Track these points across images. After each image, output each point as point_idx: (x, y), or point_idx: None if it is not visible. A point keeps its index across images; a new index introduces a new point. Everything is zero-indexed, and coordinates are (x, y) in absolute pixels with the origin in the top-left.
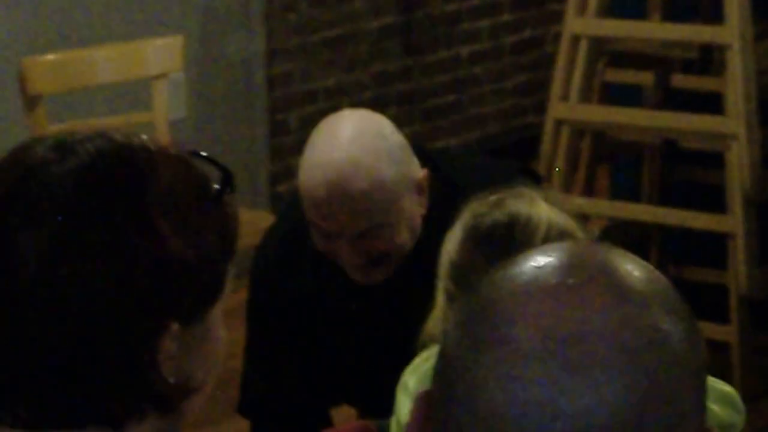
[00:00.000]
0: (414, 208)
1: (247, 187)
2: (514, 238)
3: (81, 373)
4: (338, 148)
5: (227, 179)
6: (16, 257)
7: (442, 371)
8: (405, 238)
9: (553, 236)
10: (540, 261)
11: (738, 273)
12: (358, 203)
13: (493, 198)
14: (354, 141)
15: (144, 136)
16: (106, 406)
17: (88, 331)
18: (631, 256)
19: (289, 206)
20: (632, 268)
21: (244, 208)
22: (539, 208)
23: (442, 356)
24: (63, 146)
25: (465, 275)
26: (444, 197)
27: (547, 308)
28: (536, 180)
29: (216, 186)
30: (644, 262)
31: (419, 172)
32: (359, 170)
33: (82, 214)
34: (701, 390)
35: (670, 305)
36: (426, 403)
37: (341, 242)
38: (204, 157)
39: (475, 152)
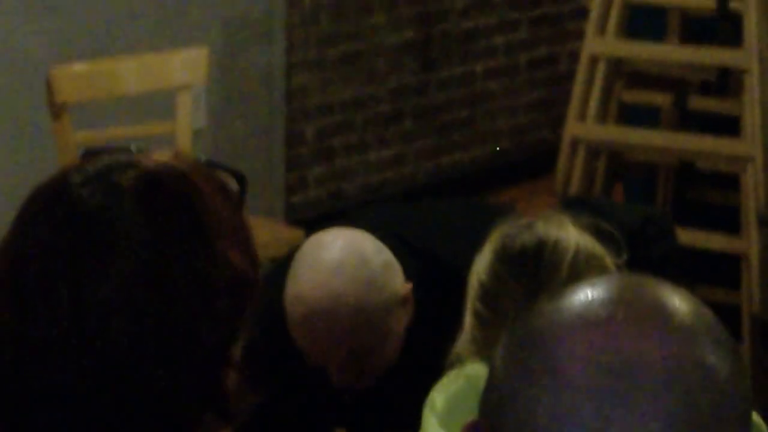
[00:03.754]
0: (399, 324)
1: (263, 197)
2: (543, 260)
3: (167, 393)
4: (319, 283)
5: (244, 185)
6: (99, 306)
7: (490, 401)
8: (391, 352)
9: (581, 260)
10: (589, 294)
11: (751, 293)
12: (341, 338)
13: (522, 221)
14: (336, 274)
15: (162, 153)
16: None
17: (172, 356)
18: (678, 289)
19: (269, 280)
20: (680, 302)
21: (260, 217)
22: (568, 232)
23: (490, 386)
24: (106, 184)
25: (494, 297)
26: (435, 282)
27: (597, 341)
28: None
29: (237, 192)
30: (691, 296)
31: (403, 287)
32: (341, 306)
33: (155, 253)
34: (746, 423)
35: (716, 339)
36: None
37: (336, 368)
38: (218, 165)
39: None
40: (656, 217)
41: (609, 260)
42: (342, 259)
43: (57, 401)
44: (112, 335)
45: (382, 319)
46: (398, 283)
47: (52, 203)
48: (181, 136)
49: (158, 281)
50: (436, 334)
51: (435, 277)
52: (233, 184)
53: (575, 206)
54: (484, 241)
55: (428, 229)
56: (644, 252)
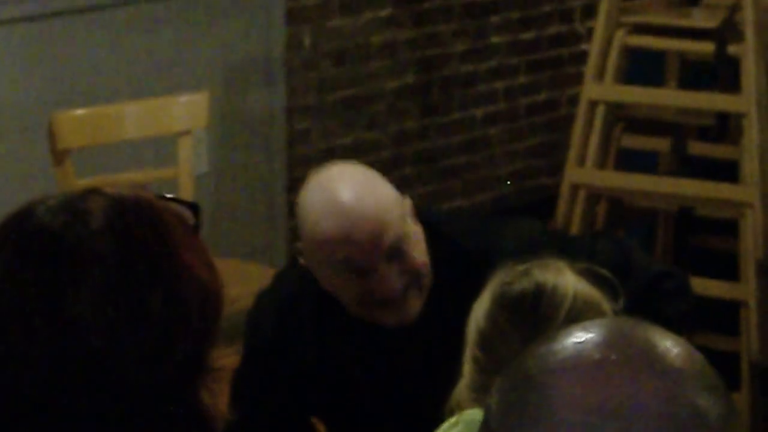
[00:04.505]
0: (418, 233)
1: (265, 243)
2: (540, 307)
3: (144, 405)
4: (335, 195)
5: (197, 214)
6: (75, 324)
7: None
8: (423, 257)
9: (578, 307)
10: (581, 337)
11: (750, 340)
12: (376, 220)
13: (520, 267)
14: (347, 179)
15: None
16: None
17: (150, 368)
18: (668, 333)
19: (282, 276)
20: (671, 346)
21: (261, 264)
22: (566, 278)
23: (485, 428)
24: (71, 208)
25: (492, 343)
26: (449, 262)
27: (589, 384)
28: (548, 240)
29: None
30: (682, 340)
31: (406, 202)
32: (365, 196)
33: (126, 268)
34: None
35: (708, 382)
36: None
37: (377, 272)
38: (173, 198)
39: (483, 216)
40: (677, 274)
41: (606, 306)
42: (343, 171)
43: (36, 419)
44: (89, 352)
45: (401, 211)
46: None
47: (17, 230)
48: (182, 181)
49: (131, 296)
50: (455, 313)
51: (457, 260)
52: (187, 213)
53: (603, 241)
54: (504, 242)
55: (456, 219)
56: (659, 305)
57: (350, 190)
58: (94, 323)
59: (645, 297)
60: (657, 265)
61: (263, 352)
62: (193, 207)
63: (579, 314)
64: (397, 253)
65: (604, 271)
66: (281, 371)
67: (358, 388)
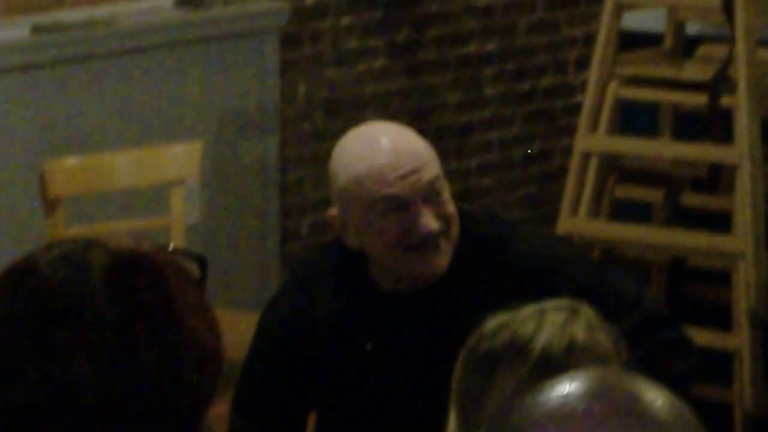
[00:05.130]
0: (445, 184)
1: (257, 292)
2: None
3: None
4: (376, 131)
5: (204, 267)
6: (70, 375)
7: None
8: (452, 207)
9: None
10: (567, 387)
11: (743, 391)
12: (416, 154)
13: (502, 318)
14: (383, 125)
15: (126, 240)
16: None
17: (145, 427)
18: (653, 383)
19: (296, 267)
20: (656, 397)
21: (254, 314)
22: (543, 327)
23: None
24: (72, 263)
25: (477, 395)
26: (467, 244)
27: None
28: (562, 246)
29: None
30: (667, 390)
31: None
32: (403, 134)
33: (124, 328)
34: None
35: None
36: None
37: (416, 208)
38: (179, 250)
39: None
40: (673, 322)
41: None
42: (377, 122)
43: None
44: (82, 408)
45: (436, 157)
46: None
47: (17, 281)
48: (175, 231)
49: (128, 354)
50: (469, 293)
51: (474, 243)
52: (194, 269)
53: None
54: (517, 233)
55: (494, 220)
56: (659, 359)
57: (388, 130)
58: (89, 380)
59: (641, 341)
60: (651, 304)
61: (277, 333)
62: (200, 260)
63: (561, 364)
64: (433, 193)
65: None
66: (292, 360)
67: (372, 367)
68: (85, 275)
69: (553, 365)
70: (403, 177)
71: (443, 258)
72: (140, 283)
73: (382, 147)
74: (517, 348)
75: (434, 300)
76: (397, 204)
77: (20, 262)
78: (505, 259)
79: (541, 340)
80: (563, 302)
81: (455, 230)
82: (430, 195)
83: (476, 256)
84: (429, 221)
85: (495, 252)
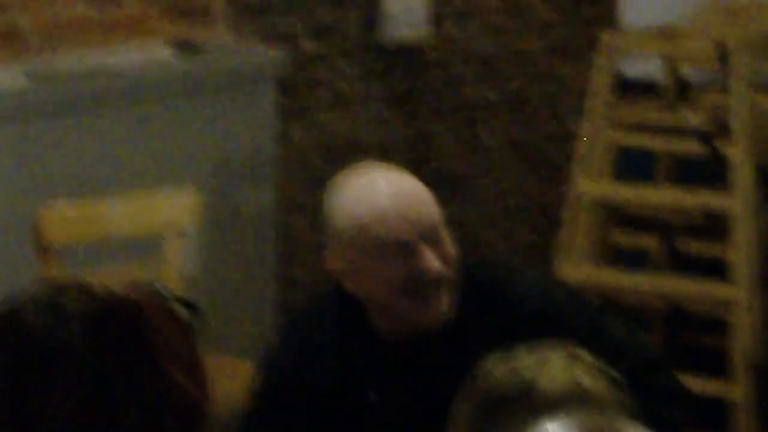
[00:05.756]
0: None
1: (255, 345)
2: (519, 405)
3: None
4: (372, 176)
5: (197, 313)
6: (44, 424)
7: None
8: (454, 248)
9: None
10: (548, 430)
11: None
12: (417, 196)
13: (503, 359)
14: (377, 169)
15: (117, 282)
16: None
17: None
18: (643, 428)
19: (298, 312)
20: None
21: (251, 362)
22: (546, 368)
23: None
24: (55, 310)
25: None
26: (467, 293)
27: None
28: (560, 292)
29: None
30: None
31: None
32: (401, 178)
33: (102, 379)
34: None
35: None
36: None
37: (420, 250)
38: (171, 294)
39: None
40: (668, 369)
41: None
42: (370, 166)
43: None
44: None
45: (434, 201)
46: None
47: (1, 326)
48: (169, 279)
49: (104, 403)
50: (477, 351)
51: (471, 290)
52: (184, 313)
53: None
54: (517, 278)
55: (491, 264)
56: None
57: (384, 172)
58: (63, 426)
59: (637, 388)
60: (648, 350)
61: (279, 388)
62: (192, 306)
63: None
64: (435, 236)
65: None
66: (293, 416)
67: (376, 418)
68: (67, 324)
69: (558, 408)
70: (406, 219)
71: (445, 304)
72: (121, 332)
73: (381, 188)
74: (522, 390)
75: (436, 347)
76: (400, 247)
77: (6, 305)
78: (503, 304)
79: (545, 383)
80: (562, 346)
81: (456, 274)
82: (432, 237)
83: (475, 301)
84: (433, 263)
85: (493, 297)
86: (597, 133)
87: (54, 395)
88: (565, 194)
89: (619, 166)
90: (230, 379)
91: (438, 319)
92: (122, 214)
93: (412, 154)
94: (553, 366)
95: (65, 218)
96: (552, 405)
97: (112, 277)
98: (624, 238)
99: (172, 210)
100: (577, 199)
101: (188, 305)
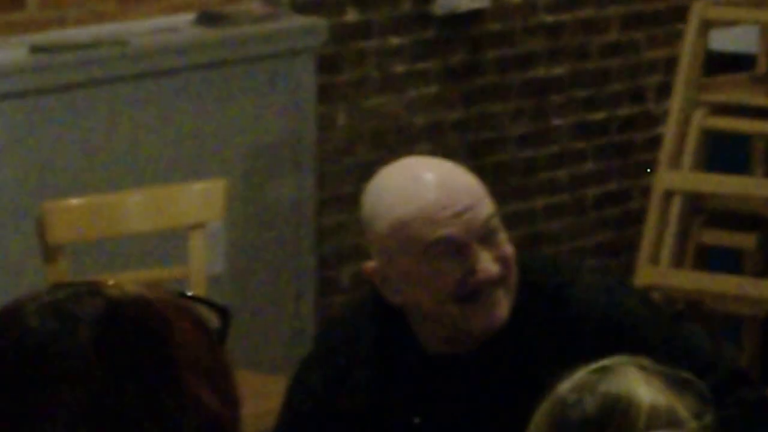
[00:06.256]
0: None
1: (290, 354)
2: (609, 429)
3: None
4: (419, 168)
5: (226, 320)
6: None
7: None
8: (511, 248)
9: (655, 425)
10: None
11: None
12: (470, 189)
13: (583, 378)
14: (424, 160)
15: (136, 285)
16: None
17: None
18: None
19: (330, 325)
20: None
21: (285, 378)
22: (639, 390)
23: None
24: (61, 313)
25: None
26: (524, 296)
27: None
28: (629, 296)
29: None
30: None
31: None
32: (452, 169)
33: (113, 390)
34: None
35: None
36: None
37: (473, 250)
38: (199, 298)
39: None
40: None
41: (692, 424)
42: (416, 157)
43: None
44: None
45: (487, 192)
46: None
47: (0, 331)
48: (194, 282)
49: (115, 421)
50: (534, 364)
51: (531, 295)
52: (214, 320)
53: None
54: (582, 282)
55: (551, 264)
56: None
57: (431, 165)
58: None
59: (720, 403)
60: (731, 363)
61: (306, 410)
62: (222, 311)
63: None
64: (490, 233)
65: (689, 376)
66: (332, 414)
67: None
68: (74, 328)
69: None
70: (457, 215)
71: (503, 308)
72: (137, 338)
73: (428, 183)
74: (620, 411)
75: (489, 361)
76: (451, 247)
77: (8, 308)
78: (564, 309)
79: (642, 401)
80: (637, 359)
81: (514, 276)
82: (487, 235)
83: (533, 308)
84: (488, 265)
85: (553, 302)
86: (685, 115)
87: (58, 411)
88: (648, 186)
89: (709, 153)
90: (260, 398)
91: (493, 326)
92: (140, 208)
93: (470, 140)
94: (643, 383)
95: (74, 214)
96: (658, 424)
97: (127, 279)
98: (714, 237)
99: (196, 204)
100: (662, 191)
101: (216, 309)
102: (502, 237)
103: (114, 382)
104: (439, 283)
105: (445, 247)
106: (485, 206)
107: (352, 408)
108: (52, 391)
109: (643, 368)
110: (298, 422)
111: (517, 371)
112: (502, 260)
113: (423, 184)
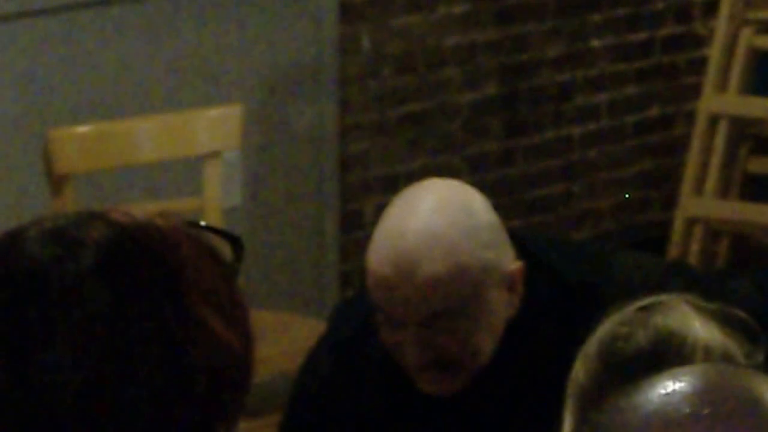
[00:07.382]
0: (500, 307)
1: (311, 291)
2: (662, 366)
3: None
4: (415, 219)
5: (239, 251)
6: (52, 379)
7: None
8: (482, 342)
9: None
10: (669, 387)
11: None
12: (427, 287)
13: (635, 311)
14: (435, 212)
15: (143, 212)
16: None
17: None
18: None
19: (342, 312)
20: None
21: (307, 317)
22: (694, 326)
23: None
24: (64, 238)
25: (596, 405)
26: (547, 298)
27: None
28: (670, 275)
29: (228, 257)
30: None
31: (512, 264)
32: (435, 248)
33: (116, 315)
34: None
35: None
36: None
37: (406, 333)
38: (210, 228)
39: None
40: None
41: (741, 359)
42: (446, 199)
43: None
44: (60, 409)
45: (481, 285)
46: (506, 254)
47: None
48: (208, 215)
49: (118, 347)
50: (537, 358)
51: (557, 299)
52: (228, 252)
53: (736, 281)
54: (616, 276)
55: (561, 246)
56: None
57: (425, 232)
58: (70, 382)
59: None
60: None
61: (316, 401)
62: (234, 240)
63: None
64: (435, 326)
65: (742, 313)
66: (334, 422)
67: None
68: (77, 253)
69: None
70: (404, 296)
71: (445, 385)
72: (144, 263)
73: (399, 246)
74: (675, 347)
75: (479, 399)
76: (389, 320)
77: (7, 234)
78: (597, 310)
79: (697, 337)
80: (687, 296)
81: (471, 367)
82: (430, 325)
83: (558, 316)
84: (414, 355)
85: (583, 303)
86: (732, 35)
87: (59, 338)
88: (692, 111)
89: (758, 76)
90: (280, 337)
91: (441, 395)
92: (152, 136)
93: (502, 63)
94: (694, 320)
95: (83, 142)
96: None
97: (140, 212)
98: (763, 165)
99: (211, 131)
100: (707, 116)
101: (229, 239)
102: (450, 334)
103: (117, 308)
104: (381, 336)
105: (384, 317)
106: (442, 299)
107: (359, 413)
108: (53, 320)
109: (694, 304)
110: (308, 408)
111: (521, 400)
112: (439, 351)
113: (394, 243)
